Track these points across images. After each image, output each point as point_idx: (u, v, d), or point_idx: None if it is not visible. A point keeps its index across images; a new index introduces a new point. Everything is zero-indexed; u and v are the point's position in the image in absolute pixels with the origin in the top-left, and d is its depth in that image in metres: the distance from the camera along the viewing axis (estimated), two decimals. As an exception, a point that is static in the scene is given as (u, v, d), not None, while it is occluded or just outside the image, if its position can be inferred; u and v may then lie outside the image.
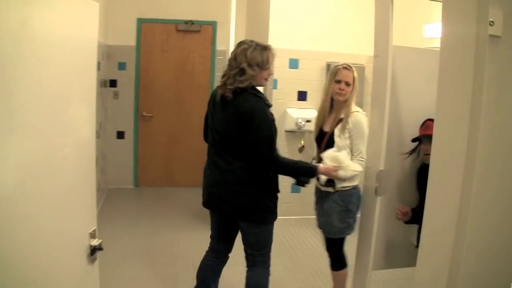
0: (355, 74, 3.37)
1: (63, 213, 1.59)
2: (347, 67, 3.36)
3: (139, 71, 7.01)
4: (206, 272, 3.33)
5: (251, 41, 2.98)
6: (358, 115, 3.32)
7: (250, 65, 2.89)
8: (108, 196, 6.64)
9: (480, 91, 1.46)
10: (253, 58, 2.90)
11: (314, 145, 3.59)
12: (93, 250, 1.80)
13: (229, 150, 3.00)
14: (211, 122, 3.11)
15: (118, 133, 7.10)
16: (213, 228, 3.33)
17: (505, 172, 1.58)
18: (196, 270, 3.37)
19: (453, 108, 1.60)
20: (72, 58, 1.63)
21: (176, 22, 6.96)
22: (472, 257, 1.54)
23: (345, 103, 3.35)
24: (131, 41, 6.89)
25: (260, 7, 6.20)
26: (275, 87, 5.73)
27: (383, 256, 3.07)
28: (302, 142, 4.54)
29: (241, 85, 2.89)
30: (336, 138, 3.29)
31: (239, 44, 3.00)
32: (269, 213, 3.07)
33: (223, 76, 3.01)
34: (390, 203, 3.02)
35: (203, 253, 3.38)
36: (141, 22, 6.89)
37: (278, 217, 3.16)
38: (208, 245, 3.38)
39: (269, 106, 2.99)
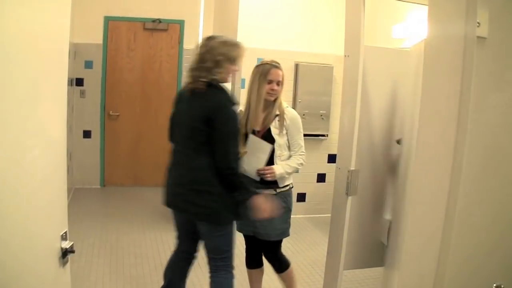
0: (283, 71, 3.28)
1: (33, 215, 1.55)
2: (277, 66, 3.26)
3: (106, 70, 6.94)
4: (174, 271, 3.28)
5: (222, 36, 2.99)
6: (292, 111, 3.33)
7: (227, 59, 2.88)
8: (74, 196, 6.53)
9: (467, 92, 1.48)
10: (229, 51, 2.89)
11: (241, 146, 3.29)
12: (65, 253, 1.76)
13: (193, 147, 2.91)
14: (176, 118, 3.08)
15: (84, 132, 7.01)
16: (177, 228, 3.27)
17: (492, 172, 1.60)
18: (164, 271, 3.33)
19: (440, 109, 1.61)
20: (43, 55, 1.59)
21: (143, 21, 6.92)
22: (457, 258, 1.55)
23: (275, 101, 3.27)
24: (98, 39, 6.82)
25: (229, 6, 6.19)
26: (243, 86, 5.71)
27: (353, 256, 3.09)
28: None
29: (216, 77, 2.87)
30: (276, 136, 3.23)
31: (211, 38, 2.98)
32: (229, 213, 2.96)
33: (192, 70, 2.95)
34: (361, 203, 3.04)
35: (170, 254, 3.35)
36: (108, 20, 6.81)
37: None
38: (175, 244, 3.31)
39: (235, 104, 2.93)
